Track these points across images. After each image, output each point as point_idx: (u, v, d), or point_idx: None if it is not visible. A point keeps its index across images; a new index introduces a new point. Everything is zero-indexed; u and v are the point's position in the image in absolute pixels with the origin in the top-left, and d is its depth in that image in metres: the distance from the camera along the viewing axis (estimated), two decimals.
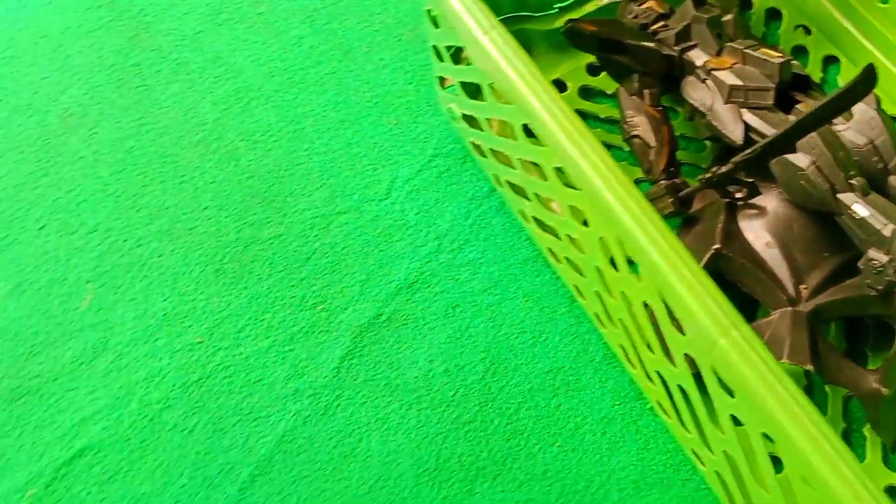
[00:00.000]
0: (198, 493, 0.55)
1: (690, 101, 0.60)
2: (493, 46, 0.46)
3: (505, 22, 0.59)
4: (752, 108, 0.57)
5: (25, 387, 0.59)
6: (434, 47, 0.60)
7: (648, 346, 0.49)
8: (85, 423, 0.57)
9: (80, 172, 0.67)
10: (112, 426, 0.57)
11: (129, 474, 0.56)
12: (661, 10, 0.64)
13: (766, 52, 0.58)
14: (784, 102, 0.57)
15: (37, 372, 0.59)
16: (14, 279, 0.63)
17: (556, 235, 0.56)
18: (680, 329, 0.42)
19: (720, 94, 0.58)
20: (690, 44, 0.61)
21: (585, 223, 0.48)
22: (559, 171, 0.47)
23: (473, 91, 0.58)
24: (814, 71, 0.68)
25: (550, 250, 0.60)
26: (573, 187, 0.46)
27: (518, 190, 0.59)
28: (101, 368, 0.59)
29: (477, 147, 0.64)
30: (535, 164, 0.51)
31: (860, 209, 0.48)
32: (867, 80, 0.48)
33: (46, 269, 0.63)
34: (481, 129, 0.60)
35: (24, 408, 0.58)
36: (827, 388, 0.56)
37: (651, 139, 0.58)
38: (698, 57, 0.60)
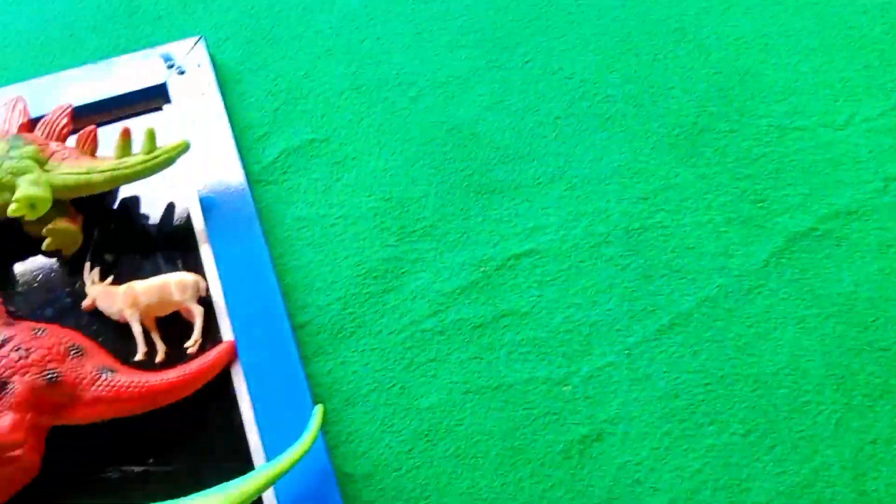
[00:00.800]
0: (620, 320, 0.62)
1: None
2: None
3: None
4: None
5: (492, 186, 0.68)
6: None
7: None
8: (536, 230, 0.66)
9: (567, 25, 0.75)
10: (558, 241, 0.65)
11: (564, 284, 0.64)
12: None
13: None
14: None
15: (503, 177, 0.69)
16: (495, 97, 0.72)
17: None
18: None
19: None
20: None
21: None
22: None
23: None
24: None
25: None
26: None
27: None
28: (556, 192, 0.68)
29: None
30: None
31: None
32: None
33: (524, 97, 0.72)
34: None
35: (488, 201, 0.68)
36: None
37: None
38: None
